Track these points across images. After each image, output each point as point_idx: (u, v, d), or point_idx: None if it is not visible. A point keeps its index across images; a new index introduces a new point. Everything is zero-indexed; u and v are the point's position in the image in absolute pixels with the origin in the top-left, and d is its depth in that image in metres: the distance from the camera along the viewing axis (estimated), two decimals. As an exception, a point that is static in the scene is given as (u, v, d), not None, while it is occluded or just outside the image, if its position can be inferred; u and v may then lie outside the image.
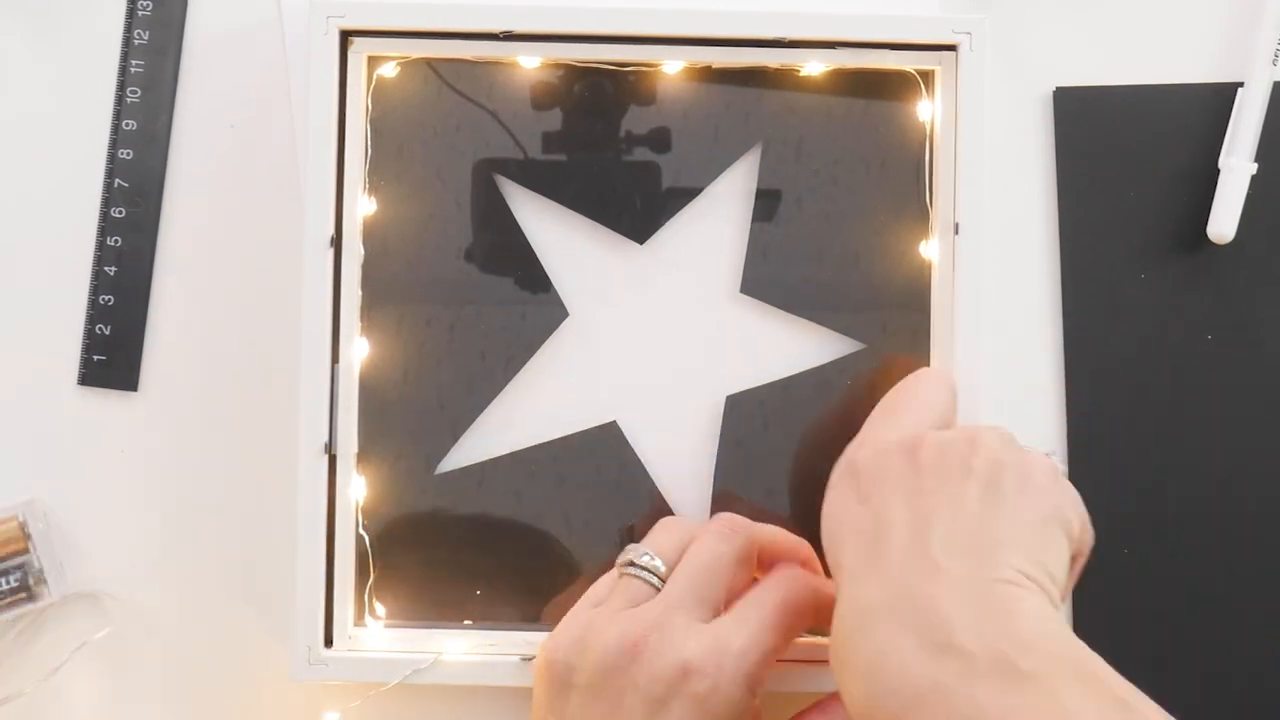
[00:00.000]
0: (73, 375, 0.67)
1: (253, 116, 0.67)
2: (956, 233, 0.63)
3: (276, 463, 0.65)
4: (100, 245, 0.67)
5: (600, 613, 0.57)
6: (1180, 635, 0.65)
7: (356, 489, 0.64)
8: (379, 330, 0.64)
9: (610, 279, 0.65)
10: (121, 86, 0.67)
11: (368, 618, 0.64)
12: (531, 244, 0.65)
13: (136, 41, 0.67)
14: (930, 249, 0.64)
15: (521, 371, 0.65)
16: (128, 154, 0.67)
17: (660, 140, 0.65)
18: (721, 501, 0.64)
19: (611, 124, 0.65)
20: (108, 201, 0.67)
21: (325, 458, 0.63)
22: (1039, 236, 0.67)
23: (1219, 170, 0.65)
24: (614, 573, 0.59)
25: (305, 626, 0.62)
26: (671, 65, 0.64)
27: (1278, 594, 0.65)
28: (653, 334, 0.65)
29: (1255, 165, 0.65)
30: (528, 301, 0.65)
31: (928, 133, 0.64)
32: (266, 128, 0.67)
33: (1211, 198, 0.65)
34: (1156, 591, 0.65)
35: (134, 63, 0.67)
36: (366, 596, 0.64)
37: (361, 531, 0.64)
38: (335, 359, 0.63)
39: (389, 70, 0.64)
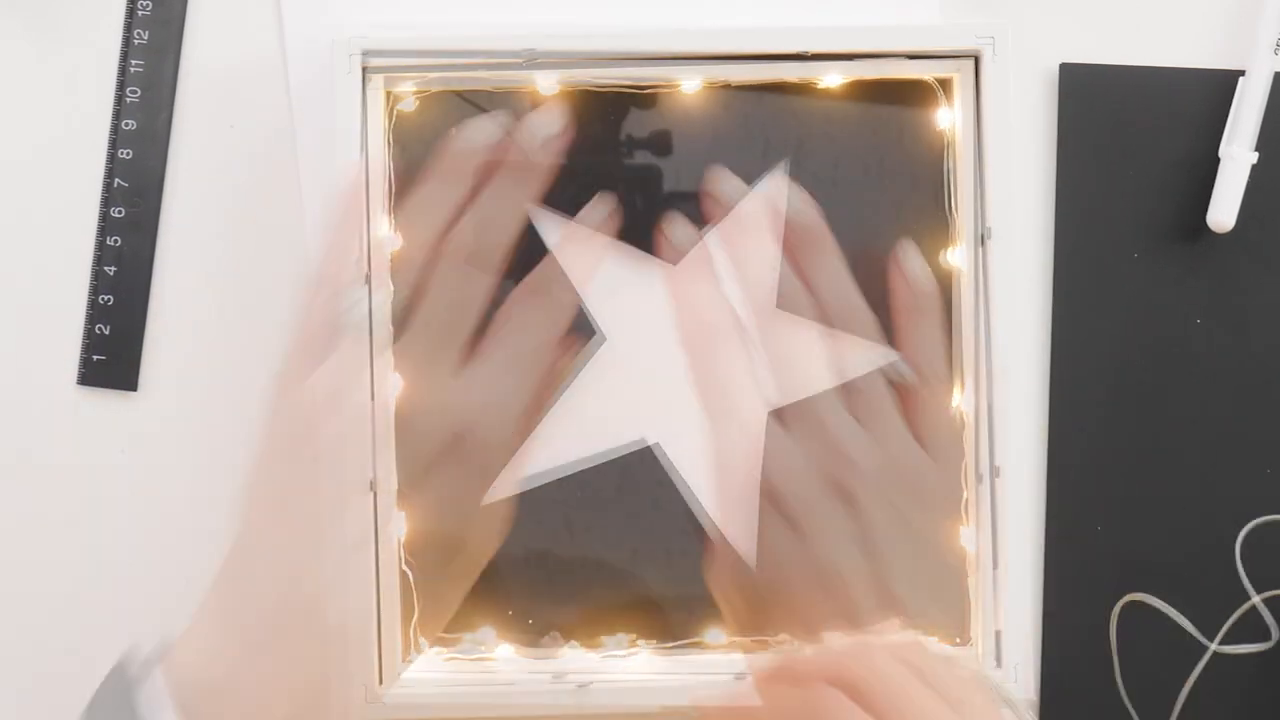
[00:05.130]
0: (73, 375, 0.67)
1: (253, 116, 0.67)
2: (984, 241, 0.62)
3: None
4: (100, 245, 0.67)
5: None
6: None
7: (398, 525, 0.62)
8: (410, 361, 0.62)
9: (645, 300, 0.64)
10: (121, 86, 0.67)
11: (413, 653, 0.63)
12: (563, 268, 0.63)
13: (136, 41, 0.67)
14: (955, 256, 0.63)
15: (560, 400, 0.64)
16: (128, 154, 0.67)
17: (680, 151, 0.64)
18: (766, 520, 0.63)
19: (631, 138, 0.64)
20: (108, 201, 0.67)
21: (370, 495, 0.61)
22: (1034, 214, 0.67)
23: (1219, 158, 0.65)
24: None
25: (360, 666, 0.61)
26: (690, 85, 0.63)
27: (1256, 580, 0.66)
28: (690, 354, 0.64)
29: (1256, 155, 0.65)
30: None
31: (946, 141, 0.64)
32: (267, 127, 0.67)
33: (1211, 185, 0.65)
34: (1128, 573, 0.66)
35: (134, 63, 0.67)
36: (412, 632, 0.63)
37: (404, 568, 0.62)
38: (371, 395, 0.61)
39: (409, 105, 0.63)
